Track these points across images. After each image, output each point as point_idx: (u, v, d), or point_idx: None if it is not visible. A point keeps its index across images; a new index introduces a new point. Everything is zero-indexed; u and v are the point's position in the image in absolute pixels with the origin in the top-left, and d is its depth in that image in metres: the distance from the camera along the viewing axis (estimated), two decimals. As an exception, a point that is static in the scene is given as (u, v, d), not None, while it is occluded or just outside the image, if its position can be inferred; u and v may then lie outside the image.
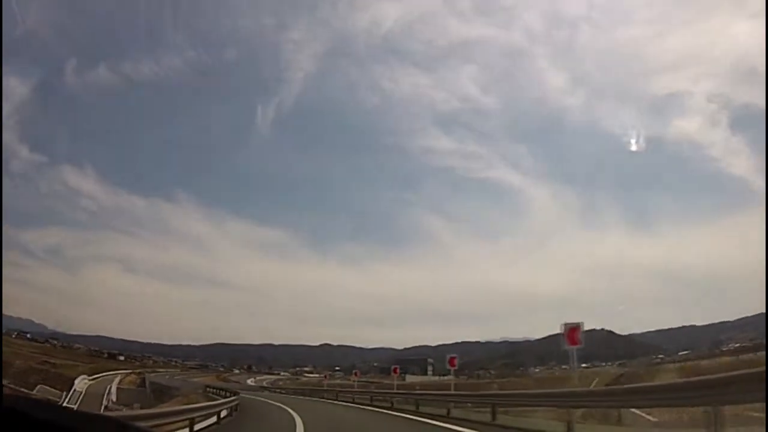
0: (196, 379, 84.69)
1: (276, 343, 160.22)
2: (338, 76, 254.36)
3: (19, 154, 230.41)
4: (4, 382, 39.45)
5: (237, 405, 19.38)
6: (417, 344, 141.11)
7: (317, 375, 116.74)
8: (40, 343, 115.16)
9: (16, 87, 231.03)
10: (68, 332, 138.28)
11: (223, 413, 16.52)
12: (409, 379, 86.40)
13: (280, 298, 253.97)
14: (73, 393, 44.86)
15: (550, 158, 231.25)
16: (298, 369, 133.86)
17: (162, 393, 47.99)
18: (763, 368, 5.26)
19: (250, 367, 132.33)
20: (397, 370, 37.18)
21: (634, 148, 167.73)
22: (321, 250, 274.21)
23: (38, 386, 48.41)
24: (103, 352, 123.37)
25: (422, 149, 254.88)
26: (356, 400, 29.96)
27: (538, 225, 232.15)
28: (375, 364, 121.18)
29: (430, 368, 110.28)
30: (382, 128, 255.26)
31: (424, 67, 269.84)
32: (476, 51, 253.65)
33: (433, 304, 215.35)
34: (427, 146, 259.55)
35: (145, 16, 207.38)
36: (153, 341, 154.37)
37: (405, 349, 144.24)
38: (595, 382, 33.05)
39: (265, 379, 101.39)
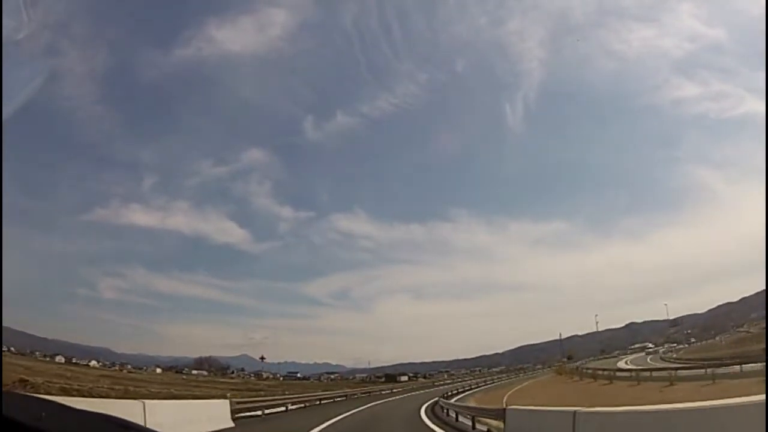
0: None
1: (581, 333, 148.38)
2: (570, 52, 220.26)
3: (284, 216, 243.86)
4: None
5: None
6: (719, 303, 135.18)
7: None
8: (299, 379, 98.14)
9: (260, 157, 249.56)
10: (370, 366, 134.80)
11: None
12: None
13: (573, 287, 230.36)
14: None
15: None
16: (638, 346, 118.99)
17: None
18: None
19: (570, 358, 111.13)
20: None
21: None
22: (602, 231, 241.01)
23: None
24: (380, 377, 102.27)
25: (671, 102, 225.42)
26: None
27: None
28: (687, 331, 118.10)
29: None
30: (626, 92, 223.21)
31: (644, 18, 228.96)
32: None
33: (720, 259, 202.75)
34: (675, 97, 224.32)
35: (363, 56, 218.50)
36: (456, 358, 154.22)
37: (708, 311, 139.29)
38: None
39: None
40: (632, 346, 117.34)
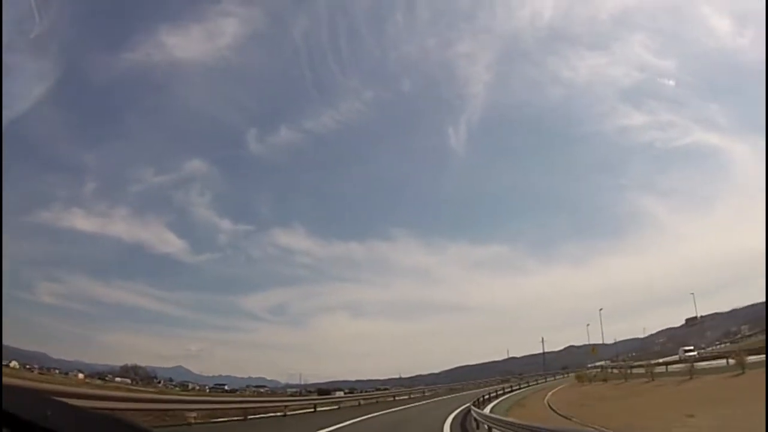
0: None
1: (518, 355, 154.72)
2: (518, 77, 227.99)
3: (223, 227, 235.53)
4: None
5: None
6: (661, 328, 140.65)
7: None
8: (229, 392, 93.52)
9: (201, 167, 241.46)
10: (304, 382, 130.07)
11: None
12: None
13: (513, 311, 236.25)
14: None
15: (744, 110, 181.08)
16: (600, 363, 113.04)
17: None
18: None
19: (520, 374, 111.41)
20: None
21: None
22: (544, 256, 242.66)
23: None
24: (312, 392, 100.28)
25: (617, 129, 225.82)
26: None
27: (748, 183, 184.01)
28: (633, 354, 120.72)
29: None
30: (573, 119, 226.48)
31: (595, 46, 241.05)
32: (638, 16, 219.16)
33: (662, 286, 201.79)
34: (621, 126, 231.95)
35: (310, 71, 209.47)
36: (391, 377, 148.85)
37: (650, 335, 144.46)
38: None
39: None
40: (593, 364, 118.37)
